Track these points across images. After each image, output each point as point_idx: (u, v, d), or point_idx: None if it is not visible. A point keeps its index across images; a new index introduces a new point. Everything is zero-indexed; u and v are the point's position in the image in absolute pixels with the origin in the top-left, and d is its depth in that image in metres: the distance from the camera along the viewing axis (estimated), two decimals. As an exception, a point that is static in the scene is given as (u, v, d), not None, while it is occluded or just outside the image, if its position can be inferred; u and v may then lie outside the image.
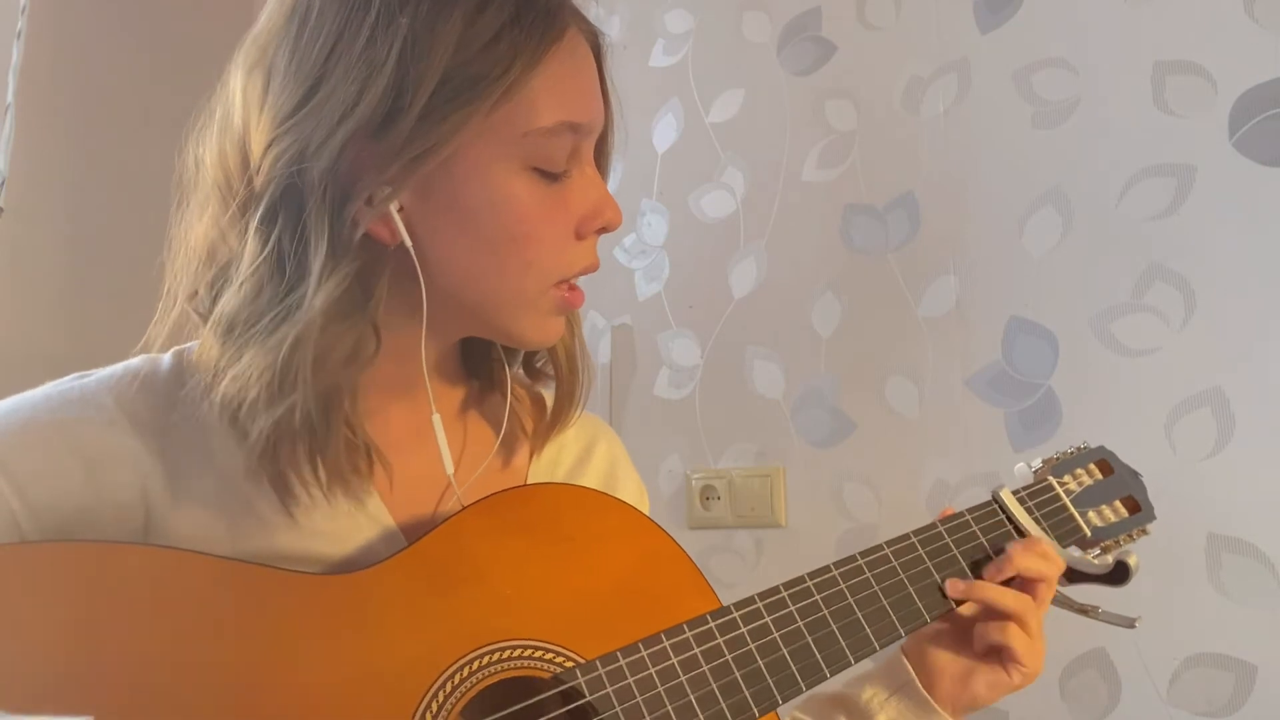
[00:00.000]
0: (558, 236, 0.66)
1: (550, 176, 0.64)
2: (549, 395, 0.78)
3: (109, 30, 1.83)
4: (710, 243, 1.68)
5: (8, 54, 1.63)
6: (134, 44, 1.87)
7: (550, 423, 0.76)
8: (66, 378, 0.66)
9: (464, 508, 0.67)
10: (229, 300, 0.62)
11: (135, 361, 0.68)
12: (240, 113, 0.64)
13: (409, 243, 0.63)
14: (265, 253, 0.61)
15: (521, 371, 0.79)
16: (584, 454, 0.82)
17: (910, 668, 0.78)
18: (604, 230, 0.68)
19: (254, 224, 0.61)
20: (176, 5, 1.97)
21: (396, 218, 0.62)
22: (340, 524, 0.66)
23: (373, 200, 0.61)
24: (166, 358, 0.68)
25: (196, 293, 0.66)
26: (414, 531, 0.68)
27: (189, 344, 0.69)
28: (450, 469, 0.69)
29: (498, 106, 0.61)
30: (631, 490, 0.84)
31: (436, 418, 0.69)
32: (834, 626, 0.71)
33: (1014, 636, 0.74)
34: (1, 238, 1.59)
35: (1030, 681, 0.76)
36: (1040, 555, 0.77)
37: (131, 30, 1.87)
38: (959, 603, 0.76)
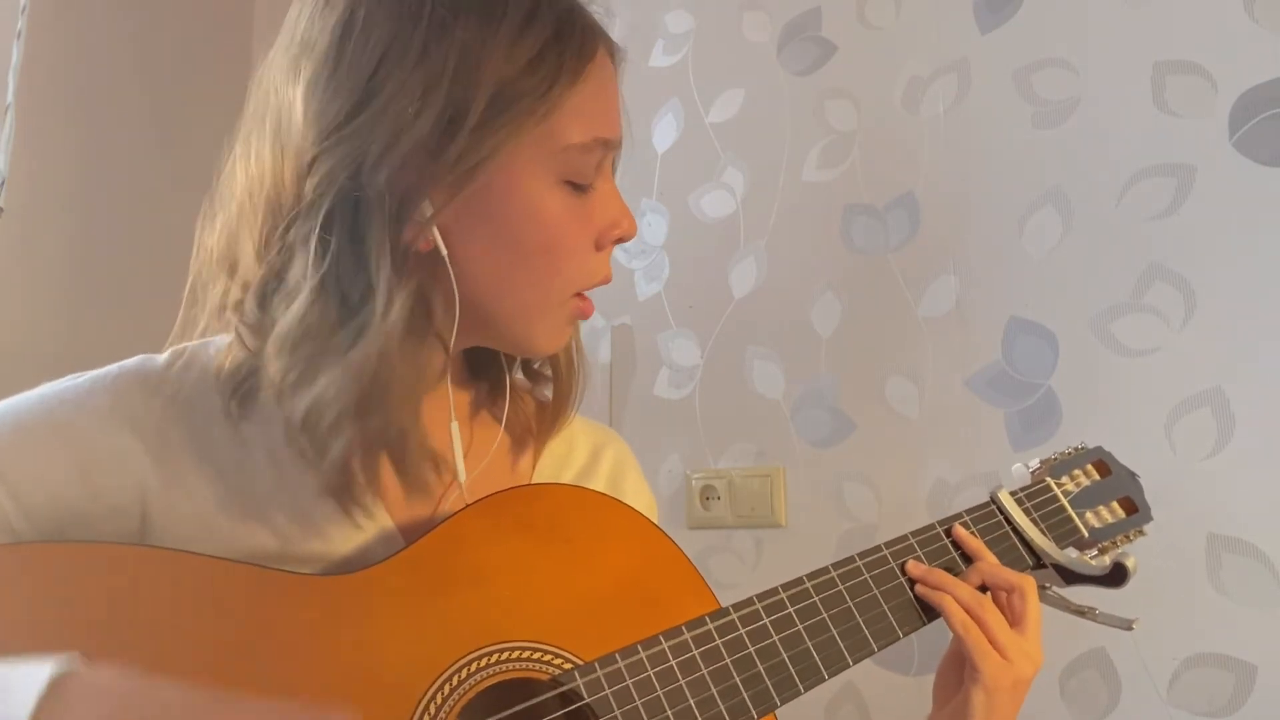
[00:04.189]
0: (583, 247, 0.67)
1: (579, 189, 0.66)
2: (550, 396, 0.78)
3: (109, 30, 1.83)
4: (710, 243, 1.68)
5: (8, 54, 1.63)
6: (134, 44, 1.87)
7: (548, 423, 0.77)
8: (62, 379, 0.66)
9: (463, 508, 0.67)
10: (292, 316, 0.61)
11: (131, 361, 0.68)
12: (282, 122, 0.63)
13: (445, 252, 0.63)
14: (325, 268, 0.61)
15: (521, 374, 0.79)
16: (591, 460, 0.82)
17: None
18: (620, 240, 0.70)
19: (311, 236, 0.61)
20: (176, 5, 1.97)
21: (434, 228, 0.62)
22: (339, 524, 0.66)
23: (421, 214, 0.61)
24: (163, 357, 0.68)
25: (240, 303, 0.65)
26: (412, 532, 0.68)
27: (188, 343, 0.69)
28: (462, 476, 0.70)
29: (540, 122, 0.62)
30: (639, 501, 0.84)
31: (455, 425, 0.70)
32: (833, 629, 0.71)
33: (969, 629, 0.72)
34: (2, 238, 1.59)
35: (995, 695, 0.71)
36: (1003, 569, 0.76)
37: (131, 30, 1.87)
38: None
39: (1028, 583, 0.75)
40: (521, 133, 0.61)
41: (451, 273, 0.63)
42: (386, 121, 0.60)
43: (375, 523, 0.67)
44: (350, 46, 0.61)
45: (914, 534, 0.79)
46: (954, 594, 0.74)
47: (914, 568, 0.76)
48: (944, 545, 0.79)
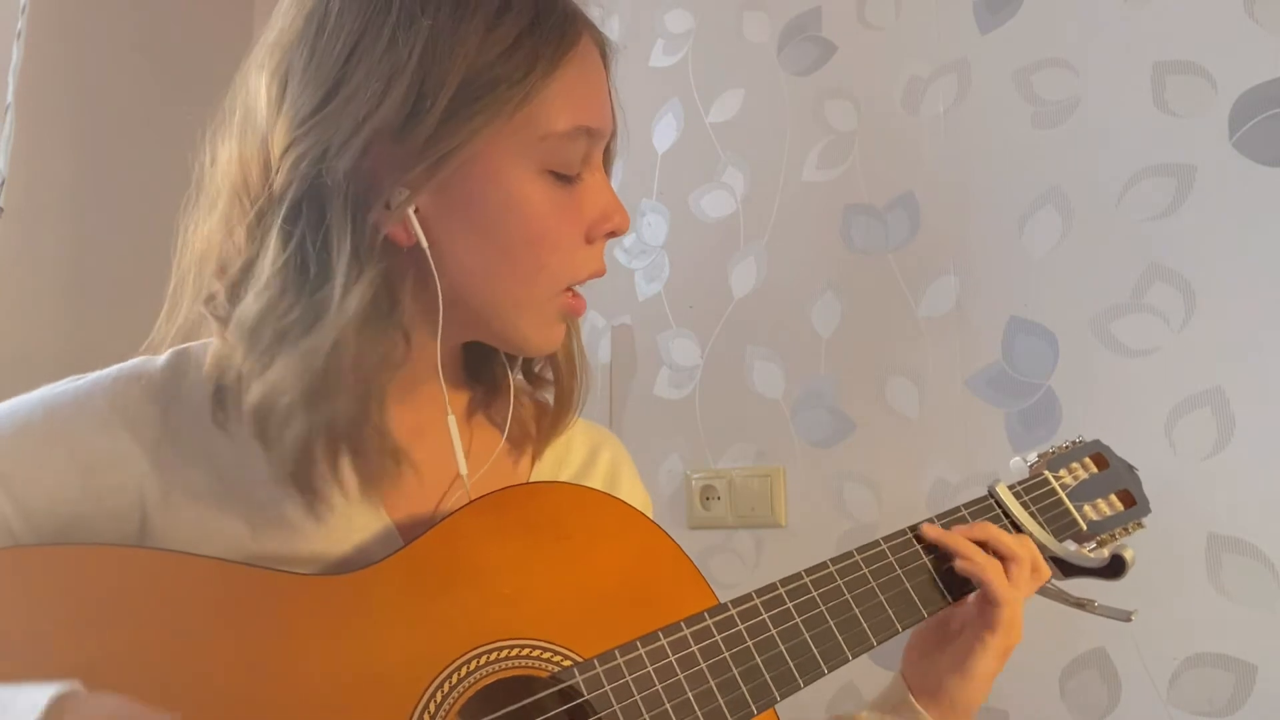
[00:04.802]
0: (570, 240, 0.66)
1: (564, 179, 0.65)
2: (550, 400, 0.78)
3: (109, 30, 1.83)
4: (710, 243, 1.68)
5: (8, 54, 1.63)
6: (134, 44, 1.87)
7: (549, 425, 0.77)
8: (61, 381, 0.66)
9: (461, 507, 0.67)
10: (252, 303, 0.61)
11: (130, 363, 0.67)
12: (259, 115, 0.64)
13: (425, 244, 0.63)
14: (287, 255, 0.61)
15: (521, 376, 0.79)
16: (588, 461, 0.82)
17: (907, 687, 0.78)
18: (612, 235, 0.69)
19: (275, 226, 0.61)
20: (176, 6, 1.97)
21: (414, 219, 0.62)
22: (337, 524, 0.65)
23: (391, 203, 0.61)
24: (163, 359, 0.68)
25: (214, 296, 0.65)
26: (411, 531, 0.68)
27: (189, 344, 0.69)
28: (464, 469, 0.69)
29: (517, 109, 0.61)
30: (635, 502, 0.83)
31: (452, 418, 0.70)
32: (831, 623, 0.71)
33: (990, 565, 0.74)
34: (1, 238, 1.60)
35: (1008, 641, 0.74)
36: (1012, 537, 0.78)
37: (131, 30, 1.87)
38: (955, 600, 0.76)
39: (1025, 546, 0.76)
40: (497, 120, 0.61)
41: (433, 265, 0.63)
42: (351, 110, 0.60)
43: (375, 522, 0.67)
44: (322, 41, 0.62)
45: (910, 529, 0.79)
46: (969, 554, 0.75)
47: (929, 530, 0.77)
48: None
